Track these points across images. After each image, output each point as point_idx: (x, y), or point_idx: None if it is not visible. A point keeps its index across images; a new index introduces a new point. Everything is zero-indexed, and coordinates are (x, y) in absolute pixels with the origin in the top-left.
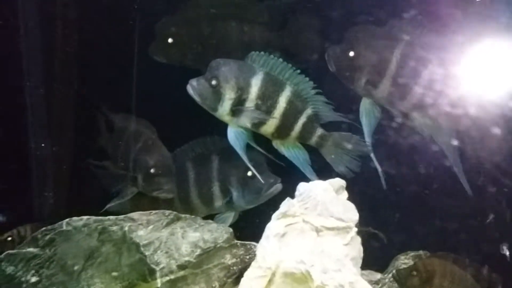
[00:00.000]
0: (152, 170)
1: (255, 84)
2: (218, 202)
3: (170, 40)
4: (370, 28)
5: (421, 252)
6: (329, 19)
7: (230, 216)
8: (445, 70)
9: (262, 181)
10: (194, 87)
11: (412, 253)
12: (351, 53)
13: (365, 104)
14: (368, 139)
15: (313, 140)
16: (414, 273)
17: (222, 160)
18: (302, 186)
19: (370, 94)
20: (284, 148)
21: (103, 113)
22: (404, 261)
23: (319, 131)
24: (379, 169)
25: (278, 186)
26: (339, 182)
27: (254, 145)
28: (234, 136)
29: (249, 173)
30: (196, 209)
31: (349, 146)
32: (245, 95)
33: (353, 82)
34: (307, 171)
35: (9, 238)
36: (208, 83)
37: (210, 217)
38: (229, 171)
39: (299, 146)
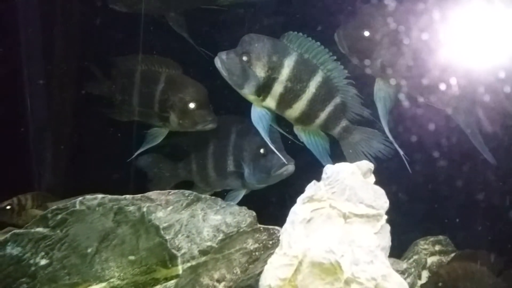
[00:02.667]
0: (191, 105)
1: (288, 65)
2: (231, 177)
3: None
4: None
5: (440, 237)
6: None
7: (241, 194)
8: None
9: (282, 158)
10: (223, 61)
11: (432, 238)
12: (366, 32)
13: (379, 85)
14: (383, 122)
15: (337, 131)
16: (440, 284)
17: (239, 136)
18: (329, 169)
19: (386, 75)
20: (305, 134)
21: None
22: (424, 246)
23: (344, 122)
24: (401, 152)
25: (290, 168)
26: (367, 165)
27: (277, 128)
28: (258, 116)
29: (261, 150)
30: (211, 182)
31: (372, 144)
32: (275, 75)
33: (368, 63)
34: (325, 160)
35: (8, 207)
36: (238, 58)
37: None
38: (243, 146)
39: (320, 134)
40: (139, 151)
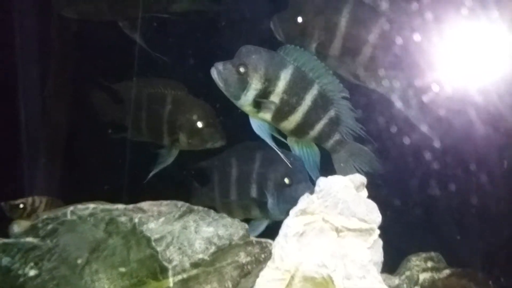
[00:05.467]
0: (199, 124)
1: (284, 78)
2: (254, 206)
3: None
4: None
5: (433, 253)
6: None
7: (263, 224)
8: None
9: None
10: (219, 72)
11: (424, 255)
12: (299, 19)
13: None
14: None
15: (329, 144)
16: None
17: (263, 164)
18: (322, 182)
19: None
20: (298, 146)
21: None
22: (416, 262)
23: (337, 136)
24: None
25: None
26: (360, 178)
27: (277, 136)
28: (257, 126)
29: (286, 180)
30: (233, 210)
31: (363, 160)
32: (271, 87)
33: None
34: (314, 173)
35: (21, 206)
36: (235, 69)
37: None
38: (267, 175)
39: (313, 147)
40: (152, 173)
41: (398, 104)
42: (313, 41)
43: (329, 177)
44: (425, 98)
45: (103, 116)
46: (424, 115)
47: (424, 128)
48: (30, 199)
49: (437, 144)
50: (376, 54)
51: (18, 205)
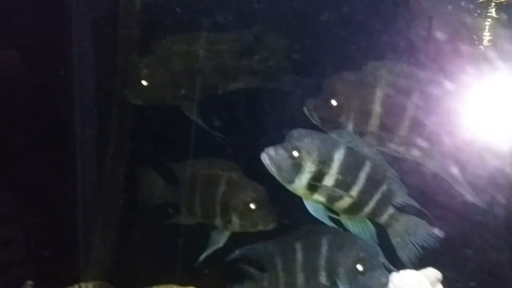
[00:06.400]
0: (251, 206)
1: (338, 159)
2: None
3: (144, 83)
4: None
5: None
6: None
7: None
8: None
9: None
10: (271, 157)
11: None
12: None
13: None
14: None
15: (383, 218)
16: None
17: (332, 249)
18: (395, 278)
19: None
20: (351, 223)
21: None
22: None
23: (391, 209)
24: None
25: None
26: (435, 273)
27: (333, 215)
28: (313, 208)
29: (360, 267)
30: None
31: (418, 233)
32: (326, 169)
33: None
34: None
35: None
36: (288, 154)
37: None
38: (337, 261)
39: (367, 222)
40: (204, 255)
41: (444, 174)
42: (349, 121)
43: (402, 272)
44: (471, 168)
45: (155, 197)
46: (470, 184)
47: (472, 197)
48: (76, 286)
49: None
50: (414, 127)
51: None
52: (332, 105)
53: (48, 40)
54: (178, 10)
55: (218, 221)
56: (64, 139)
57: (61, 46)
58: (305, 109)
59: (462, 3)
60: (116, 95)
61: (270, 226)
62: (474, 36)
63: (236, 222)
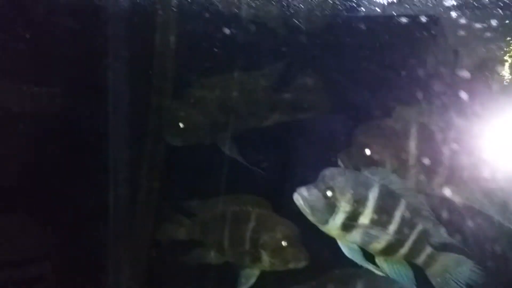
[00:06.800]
0: (283, 243)
1: (372, 197)
2: None
3: (181, 125)
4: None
5: None
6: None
7: None
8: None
9: None
10: (304, 198)
11: None
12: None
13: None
14: None
15: (421, 259)
16: None
17: None
18: None
19: None
20: (387, 265)
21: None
22: None
23: (428, 249)
24: None
25: None
26: None
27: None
28: (348, 249)
29: None
30: None
31: (459, 272)
32: (361, 208)
33: None
34: None
35: None
36: (321, 194)
37: None
38: None
39: (404, 264)
40: None
41: (495, 215)
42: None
43: None
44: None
45: (182, 236)
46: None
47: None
48: None
49: None
50: (453, 169)
51: None
52: (366, 155)
53: (87, 81)
54: (215, 49)
55: (247, 260)
56: (98, 178)
57: (99, 86)
58: (339, 161)
59: (488, 35)
60: (150, 134)
61: (302, 264)
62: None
63: (266, 260)
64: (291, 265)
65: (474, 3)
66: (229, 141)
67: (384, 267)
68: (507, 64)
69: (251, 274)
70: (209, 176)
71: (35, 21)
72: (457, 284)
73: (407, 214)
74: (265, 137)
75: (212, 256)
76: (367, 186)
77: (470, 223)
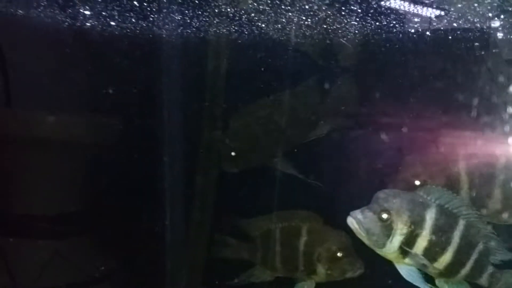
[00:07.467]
0: (339, 254)
1: (430, 218)
2: None
3: (232, 153)
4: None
5: None
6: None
7: None
8: None
9: None
10: (360, 221)
11: None
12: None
13: None
14: None
15: (484, 279)
16: None
17: None
18: None
19: None
20: (449, 287)
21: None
22: None
23: (490, 269)
24: None
25: None
26: None
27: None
28: (407, 272)
29: None
30: None
31: None
32: (418, 230)
33: None
34: None
35: None
36: (377, 217)
37: None
38: None
39: (464, 285)
40: None
41: None
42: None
43: None
44: None
45: (233, 253)
46: None
47: None
48: None
49: None
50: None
51: None
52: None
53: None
54: (262, 69)
55: (300, 273)
56: (155, 203)
57: (153, 122)
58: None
59: None
60: (202, 160)
61: (358, 273)
62: None
63: (322, 272)
64: (348, 275)
65: None
66: (281, 159)
67: None
68: None
69: (307, 286)
70: (259, 196)
71: (98, 57)
72: None
73: (467, 234)
74: (310, 152)
75: (261, 274)
76: (424, 207)
77: None
